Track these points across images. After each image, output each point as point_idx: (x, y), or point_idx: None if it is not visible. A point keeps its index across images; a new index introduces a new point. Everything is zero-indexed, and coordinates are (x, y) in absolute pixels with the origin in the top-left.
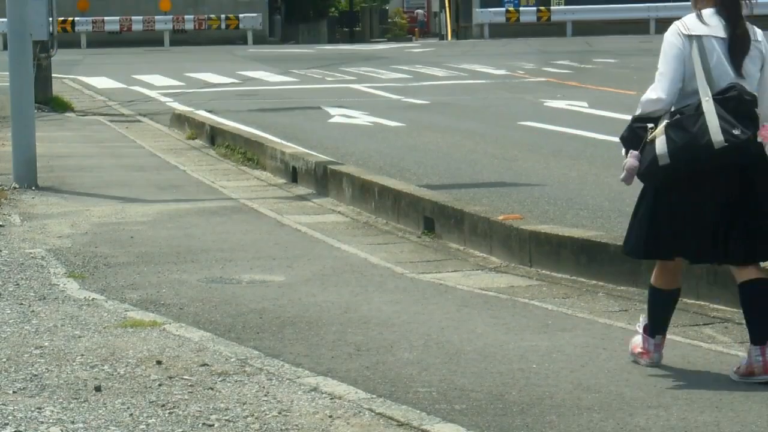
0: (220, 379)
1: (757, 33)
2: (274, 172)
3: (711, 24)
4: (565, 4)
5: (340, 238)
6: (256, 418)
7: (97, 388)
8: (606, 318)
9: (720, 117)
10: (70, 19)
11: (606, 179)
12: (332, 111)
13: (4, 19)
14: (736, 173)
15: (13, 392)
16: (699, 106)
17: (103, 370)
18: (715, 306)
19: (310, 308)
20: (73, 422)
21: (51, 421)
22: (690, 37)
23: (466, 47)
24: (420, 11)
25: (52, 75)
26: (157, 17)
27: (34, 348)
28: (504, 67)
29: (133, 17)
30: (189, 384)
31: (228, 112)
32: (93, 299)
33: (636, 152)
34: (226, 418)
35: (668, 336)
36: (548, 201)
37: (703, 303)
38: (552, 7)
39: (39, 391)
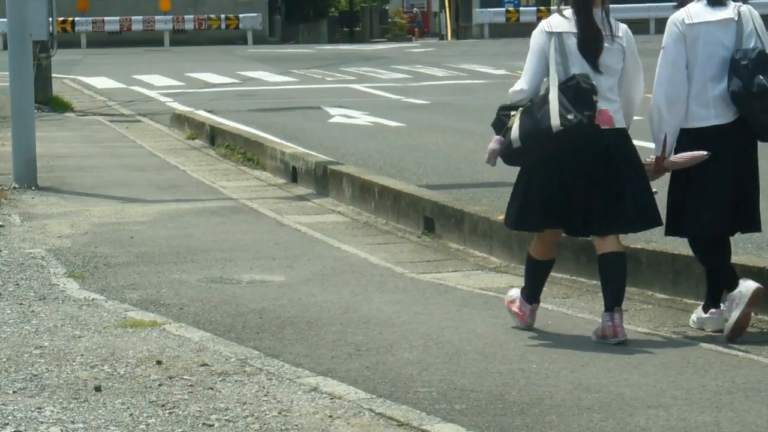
0: (220, 379)
1: (620, 29)
2: (274, 172)
3: (571, 21)
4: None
5: (340, 238)
6: (256, 418)
7: (97, 388)
8: None
9: (560, 104)
10: (70, 19)
11: None
12: (332, 111)
13: (4, 19)
14: (596, 154)
15: (13, 392)
16: (547, 95)
17: (103, 370)
18: None
19: (310, 308)
20: (73, 422)
21: (51, 421)
22: (551, 33)
23: (466, 47)
24: (417, 10)
25: (52, 75)
26: (157, 17)
27: (34, 348)
28: (504, 67)
29: (133, 17)
30: (189, 384)
31: (228, 112)
32: (93, 299)
33: (498, 137)
34: (226, 418)
35: (668, 335)
36: None
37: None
38: (552, 7)
39: (39, 391)
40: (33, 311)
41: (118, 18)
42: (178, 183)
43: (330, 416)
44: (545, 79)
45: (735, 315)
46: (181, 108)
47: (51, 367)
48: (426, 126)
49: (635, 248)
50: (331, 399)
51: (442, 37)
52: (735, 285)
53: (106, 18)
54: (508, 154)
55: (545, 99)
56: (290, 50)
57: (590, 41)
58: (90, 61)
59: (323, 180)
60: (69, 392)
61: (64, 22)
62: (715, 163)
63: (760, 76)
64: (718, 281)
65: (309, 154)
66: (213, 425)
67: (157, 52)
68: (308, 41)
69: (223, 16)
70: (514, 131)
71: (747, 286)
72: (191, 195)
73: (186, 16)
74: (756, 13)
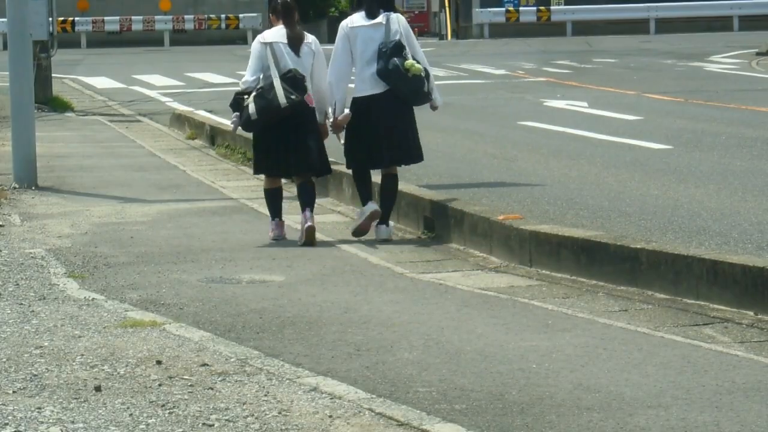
0: (220, 379)
1: (309, 37)
2: None
3: (279, 34)
4: (565, 4)
5: (340, 238)
6: (256, 418)
7: (97, 388)
8: (606, 318)
9: (284, 88)
10: (70, 19)
11: (606, 179)
12: None
13: (4, 19)
14: (295, 120)
15: (13, 392)
16: (272, 83)
17: (103, 370)
18: (715, 306)
19: (310, 308)
20: (73, 422)
21: (51, 421)
22: (265, 43)
23: (466, 47)
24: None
25: (52, 75)
26: (157, 17)
27: (34, 348)
28: (504, 67)
29: (133, 17)
30: (189, 384)
31: (228, 112)
32: (93, 299)
33: (236, 113)
34: (226, 418)
35: (669, 336)
36: (548, 201)
37: (703, 303)
38: (552, 7)
39: (39, 391)
40: (33, 311)
41: (118, 18)
42: (178, 183)
43: (330, 416)
44: (262, 74)
45: (358, 222)
46: (181, 108)
47: (51, 367)
48: (426, 126)
49: (635, 248)
50: (331, 399)
51: (442, 36)
52: (366, 203)
53: (106, 18)
54: (246, 124)
55: (272, 86)
56: None
57: (295, 46)
58: (90, 61)
59: (323, 180)
60: (69, 392)
61: (64, 22)
62: (370, 120)
63: (395, 59)
64: (366, 194)
65: None
66: (213, 425)
67: (157, 52)
68: None
69: (223, 16)
70: (251, 108)
71: (369, 206)
72: (191, 195)
73: (186, 16)
74: (403, 18)
